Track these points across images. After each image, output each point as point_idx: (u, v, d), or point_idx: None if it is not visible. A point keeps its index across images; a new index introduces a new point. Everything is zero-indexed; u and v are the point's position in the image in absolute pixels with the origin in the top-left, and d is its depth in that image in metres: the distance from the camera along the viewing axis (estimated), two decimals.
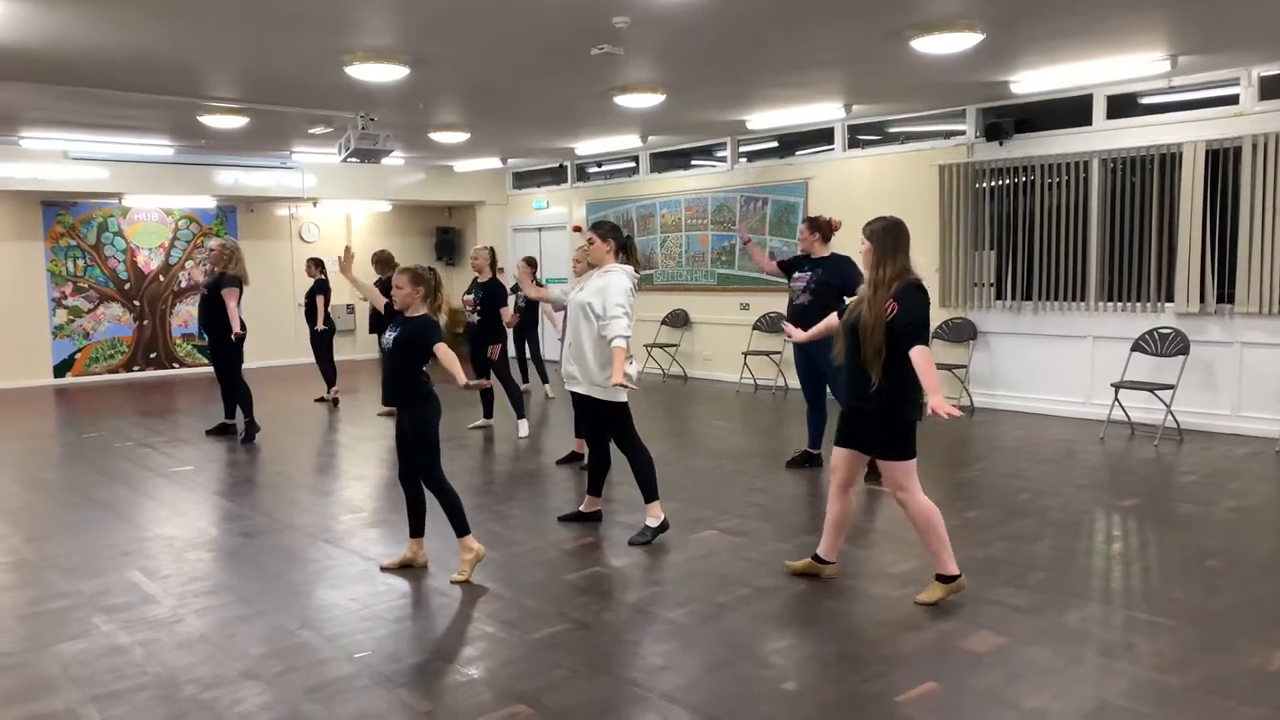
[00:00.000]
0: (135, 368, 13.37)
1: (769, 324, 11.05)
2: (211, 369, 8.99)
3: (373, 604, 4.34)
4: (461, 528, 4.64)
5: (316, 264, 10.83)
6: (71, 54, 6.51)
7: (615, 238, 5.29)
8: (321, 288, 10.56)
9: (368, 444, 8.27)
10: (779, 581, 4.55)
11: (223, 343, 8.35)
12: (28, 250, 12.48)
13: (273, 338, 13.74)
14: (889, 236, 4.22)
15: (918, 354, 4.03)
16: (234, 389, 8.50)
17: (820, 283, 6.39)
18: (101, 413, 10.22)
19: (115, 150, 11.47)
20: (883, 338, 4.05)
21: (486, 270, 8.34)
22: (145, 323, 13.41)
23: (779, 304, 11.06)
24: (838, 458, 4.43)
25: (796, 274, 6.61)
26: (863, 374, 4.15)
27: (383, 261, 9.86)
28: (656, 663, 3.68)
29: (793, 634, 3.97)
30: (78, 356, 12.94)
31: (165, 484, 6.85)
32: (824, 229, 6.59)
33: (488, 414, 8.67)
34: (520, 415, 8.40)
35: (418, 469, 4.66)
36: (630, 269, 5.25)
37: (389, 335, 4.66)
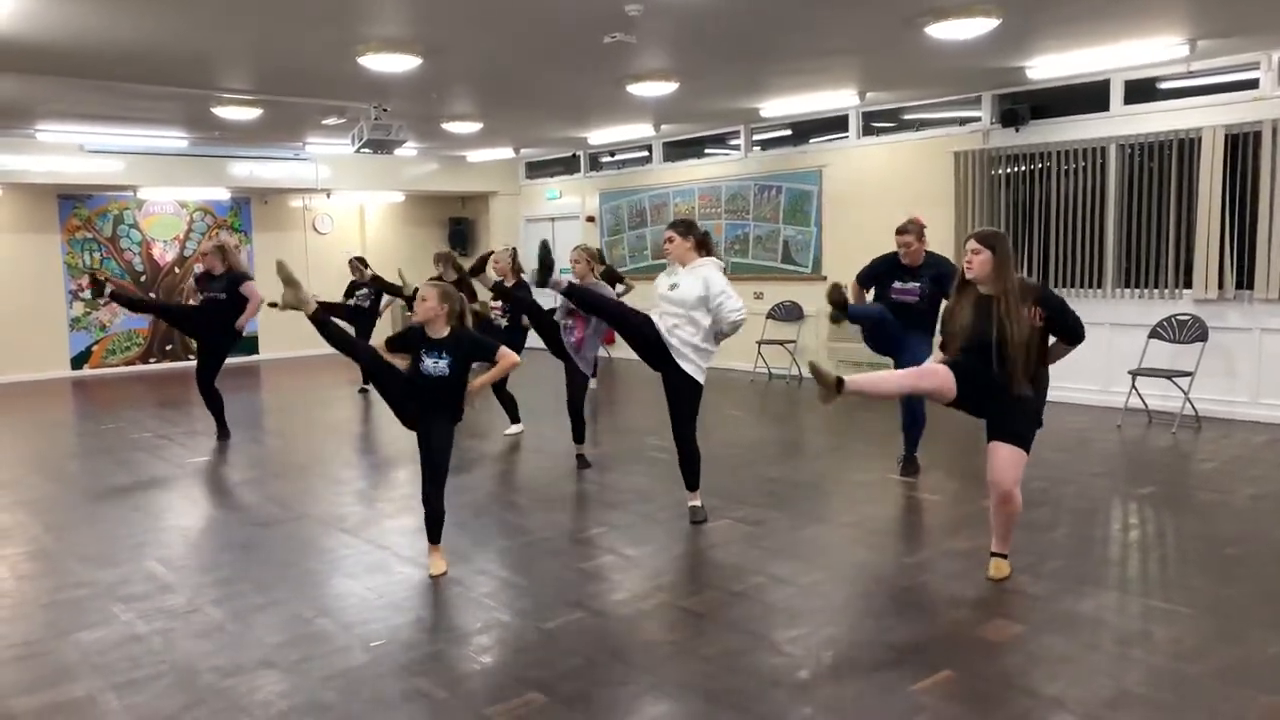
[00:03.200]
0: (151, 360, 13.45)
1: (783, 313, 11.03)
2: (196, 368, 7.98)
3: (388, 593, 4.35)
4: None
5: (363, 263, 10.56)
6: (87, 47, 6.53)
7: (695, 234, 5.26)
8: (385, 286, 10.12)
9: (383, 434, 8.29)
10: (793, 570, 4.54)
11: (220, 343, 7.74)
12: (44, 243, 12.56)
13: (291, 329, 13.75)
14: (1008, 243, 4.14)
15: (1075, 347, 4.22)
16: (209, 393, 7.87)
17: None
18: (118, 405, 10.28)
19: (130, 143, 11.54)
20: (1038, 344, 4.05)
21: (510, 275, 7.19)
22: None
23: (792, 293, 11.09)
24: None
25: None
26: (1003, 379, 4.02)
27: (445, 259, 8.97)
28: (670, 651, 3.68)
29: (807, 623, 3.96)
30: (94, 349, 13.02)
31: (182, 475, 6.89)
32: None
33: (515, 418, 8.03)
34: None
35: (442, 462, 4.49)
36: (717, 260, 5.24)
37: (438, 363, 4.39)
